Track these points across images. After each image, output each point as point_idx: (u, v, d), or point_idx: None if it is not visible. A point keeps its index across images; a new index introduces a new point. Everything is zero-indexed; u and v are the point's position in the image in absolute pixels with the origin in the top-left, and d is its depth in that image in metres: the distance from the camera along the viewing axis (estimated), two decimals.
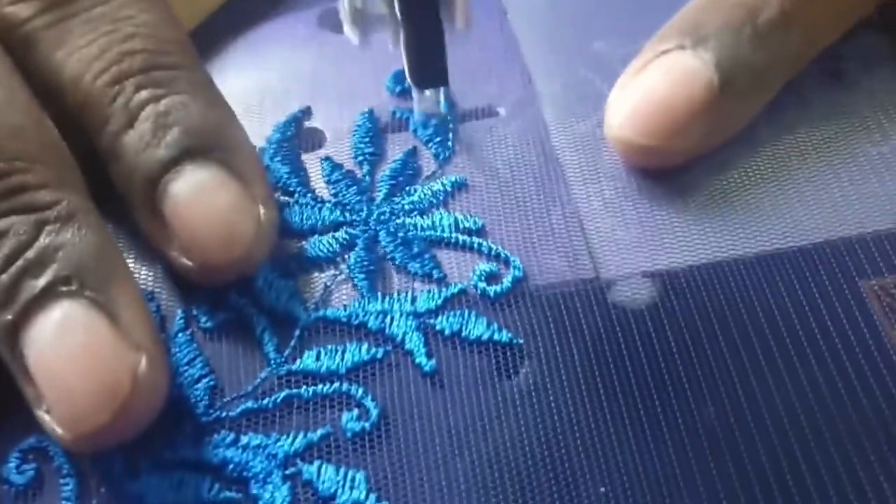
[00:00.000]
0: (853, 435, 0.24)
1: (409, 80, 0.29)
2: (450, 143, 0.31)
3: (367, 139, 0.31)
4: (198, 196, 0.26)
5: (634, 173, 0.29)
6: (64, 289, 0.24)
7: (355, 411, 0.25)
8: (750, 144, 0.30)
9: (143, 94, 0.27)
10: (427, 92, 0.30)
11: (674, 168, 0.29)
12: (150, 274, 0.28)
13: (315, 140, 0.31)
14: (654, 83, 0.29)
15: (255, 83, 0.33)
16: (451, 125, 0.31)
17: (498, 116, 0.31)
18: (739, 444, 0.24)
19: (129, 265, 0.28)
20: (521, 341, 0.26)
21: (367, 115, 0.31)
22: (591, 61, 0.32)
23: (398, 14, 0.25)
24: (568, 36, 0.34)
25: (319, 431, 0.24)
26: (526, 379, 0.25)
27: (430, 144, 0.31)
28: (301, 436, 0.24)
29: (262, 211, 0.27)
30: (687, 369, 0.25)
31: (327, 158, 0.30)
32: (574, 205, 0.29)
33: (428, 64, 0.27)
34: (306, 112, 0.32)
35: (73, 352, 0.23)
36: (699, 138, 0.28)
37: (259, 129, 0.31)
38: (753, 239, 0.28)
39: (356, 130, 0.31)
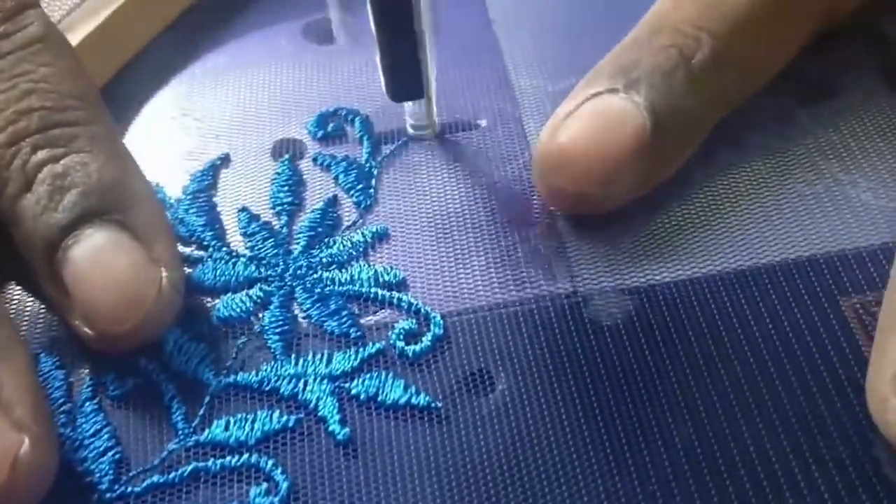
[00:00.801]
0: (835, 453, 0.23)
1: (385, 92, 0.29)
2: (371, 191, 0.30)
3: (285, 188, 0.30)
4: (95, 261, 0.25)
5: None
6: None
7: (264, 485, 0.24)
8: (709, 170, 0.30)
9: (41, 154, 0.26)
10: (413, 105, 0.30)
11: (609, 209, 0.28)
12: (58, 341, 0.27)
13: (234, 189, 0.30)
14: (584, 127, 0.27)
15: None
16: (374, 171, 0.30)
17: (479, 128, 0.32)
18: (720, 464, 0.23)
19: (35, 329, 0.27)
20: (440, 405, 0.25)
21: (286, 162, 0.30)
22: (577, 70, 0.30)
23: (372, 26, 0.25)
24: (553, 46, 0.34)
25: None
26: (501, 396, 0.25)
27: (351, 192, 0.30)
28: None
29: (164, 274, 0.26)
30: (665, 387, 0.25)
31: (244, 209, 0.29)
32: (553, 218, 0.29)
33: (403, 77, 0.26)
34: (225, 159, 0.31)
35: None
36: (631, 184, 0.27)
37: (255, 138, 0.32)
38: (732, 255, 0.27)
39: (276, 178, 0.30)
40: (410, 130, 0.31)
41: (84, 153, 0.26)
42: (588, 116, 0.28)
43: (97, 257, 0.25)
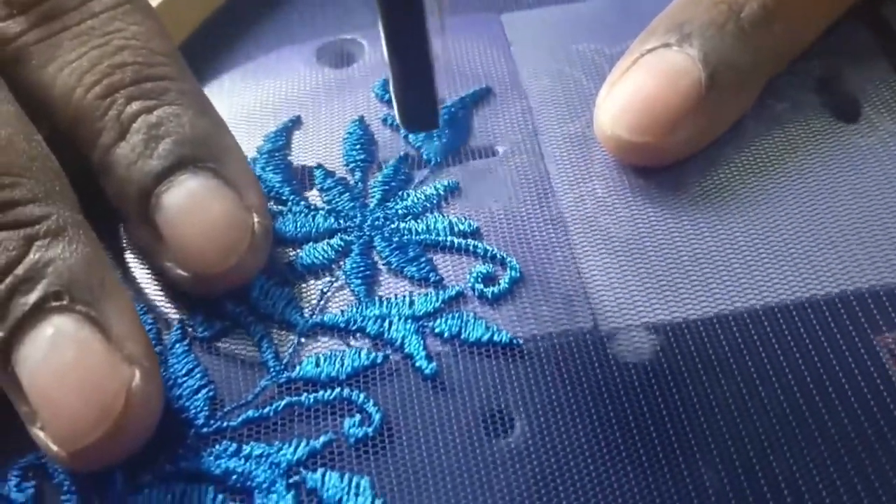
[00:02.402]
0: (871, 492, 0.23)
1: (399, 122, 0.27)
2: (440, 149, 0.31)
3: (357, 146, 0.31)
4: (191, 206, 0.26)
5: (638, 222, 0.28)
6: (55, 304, 0.23)
7: (357, 417, 0.25)
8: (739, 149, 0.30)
9: (135, 105, 0.27)
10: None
11: (673, 192, 0.29)
12: (146, 286, 0.28)
13: (307, 148, 0.31)
14: (643, 81, 0.29)
15: (248, 105, 0.33)
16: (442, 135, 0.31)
17: (497, 156, 0.31)
18: None
19: (124, 278, 0.28)
20: (521, 342, 0.26)
21: (357, 122, 0.31)
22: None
23: (385, 54, 0.24)
24: (573, 71, 0.33)
25: (322, 438, 0.24)
26: (522, 437, 0.24)
27: (422, 150, 0.31)
28: (304, 443, 0.24)
29: (255, 220, 0.27)
30: (694, 427, 0.24)
31: (319, 166, 0.30)
32: (573, 252, 0.28)
33: (417, 107, 0.25)
34: (296, 122, 0.32)
35: (65, 368, 0.23)
36: (690, 134, 0.29)
37: (250, 142, 0.31)
38: (760, 290, 0.27)
39: (347, 138, 0.31)
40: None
41: (176, 105, 0.27)
42: (645, 70, 0.29)
43: (192, 202, 0.26)
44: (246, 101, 0.33)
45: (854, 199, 0.28)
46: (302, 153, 0.31)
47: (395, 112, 0.26)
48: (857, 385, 0.25)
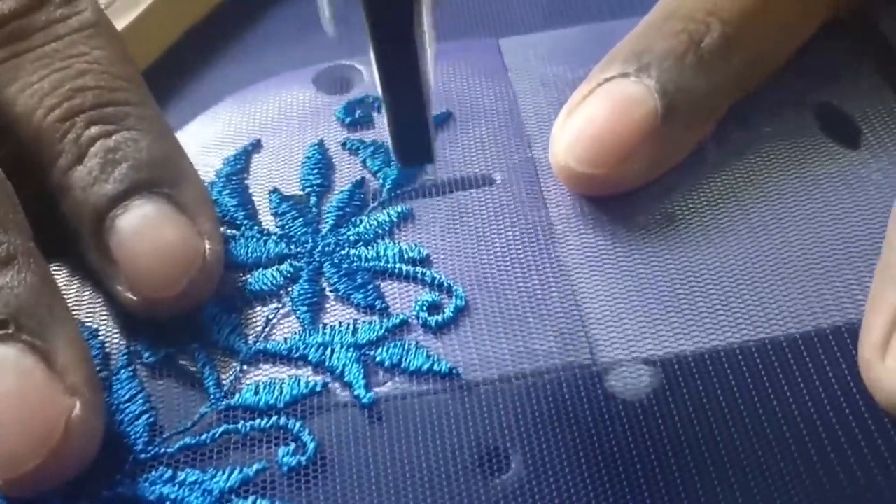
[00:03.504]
0: None
1: (393, 156, 0.27)
2: (397, 173, 0.31)
3: (315, 170, 0.31)
4: (144, 230, 0.26)
5: (638, 252, 0.28)
6: (0, 332, 0.24)
7: (292, 446, 0.25)
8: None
9: (94, 129, 0.27)
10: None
11: (676, 240, 0.28)
12: (95, 311, 0.28)
13: (266, 173, 0.31)
14: (597, 111, 0.28)
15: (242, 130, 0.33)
16: None
17: (494, 184, 0.30)
18: None
19: (75, 302, 0.28)
20: (461, 372, 0.26)
21: (316, 146, 0.32)
22: None
23: (378, 87, 0.24)
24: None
25: (255, 466, 0.24)
26: (516, 476, 0.24)
27: (378, 174, 0.31)
28: (237, 471, 0.24)
29: (207, 246, 0.27)
30: (699, 467, 0.24)
31: (275, 190, 0.30)
32: (571, 282, 0.27)
33: (412, 140, 0.25)
34: (256, 145, 0.32)
35: (6, 396, 0.23)
36: (642, 166, 0.28)
37: (213, 164, 0.32)
38: (757, 323, 0.26)
39: (305, 162, 0.31)
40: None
41: (135, 131, 0.28)
42: (601, 100, 0.29)
43: (145, 226, 0.26)
44: (239, 126, 0.33)
45: (855, 225, 0.28)
46: (261, 177, 0.31)
47: (390, 146, 0.26)
48: (848, 427, 0.24)
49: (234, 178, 0.31)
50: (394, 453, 0.24)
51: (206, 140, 0.33)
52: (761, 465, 0.24)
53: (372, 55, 0.23)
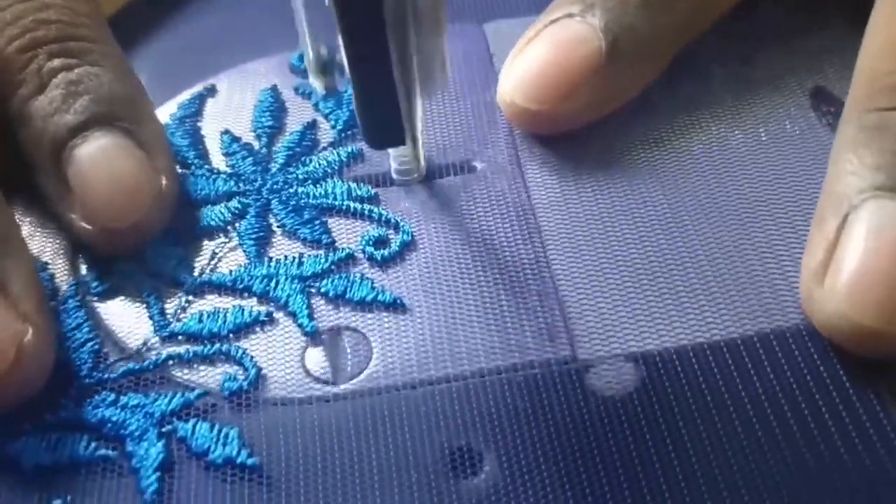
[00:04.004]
0: None
1: (365, 143, 0.27)
2: (348, 115, 0.31)
3: (267, 113, 0.31)
4: (102, 160, 0.27)
5: (624, 245, 0.27)
6: None
7: (234, 370, 0.25)
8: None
9: (56, 62, 0.28)
10: (396, 150, 0.28)
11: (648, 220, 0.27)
12: (46, 243, 0.28)
13: (218, 115, 0.32)
14: (542, 50, 0.29)
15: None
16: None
17: (475, 172, 0.29)
18: None
19: (26, 233, 0.28)
20: (406, 302, 0.26)
21: (269, 90, 0.32)
22: None
23: (347, 71, 0.24)
24: None
25: (197, 391, 0.25)
26: (491, 477, 0.23)
27: (330, 117, 0.31)
28: (179, 395, 0.25)
29: (163, 181, 0.27)
30: (684, 465, 0.22)
31: (226, 132, 0.31)
32: (552, 274, 0.26)
33: (382, 123, 0.25)
34: (211, 90, 0.32)
35: None
36: (587, 103, 0.29)
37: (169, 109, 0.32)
38: (744, 318, 0.25)
39: (258, 105, 0.31)
40: (395, 175, 0.29)
41: (97, 66, 0.28)
42: (546, 40, 0.29)
43: (103, 156, 0.27)
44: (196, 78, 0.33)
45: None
46: (214, 120, 0.31)
47: (360, 128, 0.26)
48: (839, 418, 0.23)
49: (188, 120, 0.31)
50: (360, 453, 0.23)
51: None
52: (749, 464, 0.22)
53: (339, 38, 0.22)
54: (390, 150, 0.28)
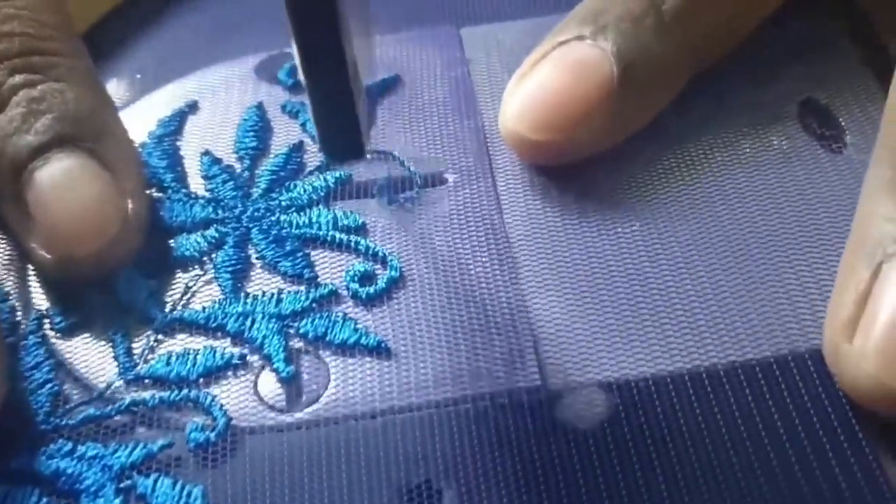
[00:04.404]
0: None
1: (323, 154, 0.26)
2: None
3: (251, 133, 0.29)
4: (63, 184, 0.25)
5: (598, 266, 0.25)
6: None
7: (201, 420, 0.23)
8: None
9: (18, 78, 0.26)
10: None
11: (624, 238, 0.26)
12: (10, 274, 0.26)
13: (200, 135, 0.30)
14: (550, 74, 0.27)
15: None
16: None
17: (446, 185, 0.28)
18: None
19: None
20: (391, 346, 0.24)
21: (254, 108, 0.30)
22: None
23: (302, 79, 0.22)
24: None
25: (160, 441, 0.23)
26: None
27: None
28: (140, 446, 0.23)
29: (130, 205, 0.25)
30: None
31: (206, 153, 0.29)
32: (523, 296, 0.25)
33: (340, 135, 0.23)
34: (193, 106, 0.30)
35: None
36: (596, 134, 0.26)
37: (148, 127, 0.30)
38: (724, 346, 0.23)
39: (241, 124, 0.29)
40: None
41: (62, 82, 0.26)
42: (554, 64, 0.27)
43: (65, 180, 0.25)
44: (177, 91, 0.31)
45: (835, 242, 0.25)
46: (195, 140, 0.29)
47: (318, 142, 0.24)
48: (821, 450, 0.21)
49: (166, 139, 0.29)
50: (312, 485, 0.22)
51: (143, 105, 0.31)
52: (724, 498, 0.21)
53: (293, 41, 0.21)
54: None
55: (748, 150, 0.28)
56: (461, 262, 0.26)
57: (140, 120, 0.30)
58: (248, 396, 0.23)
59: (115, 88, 0.31)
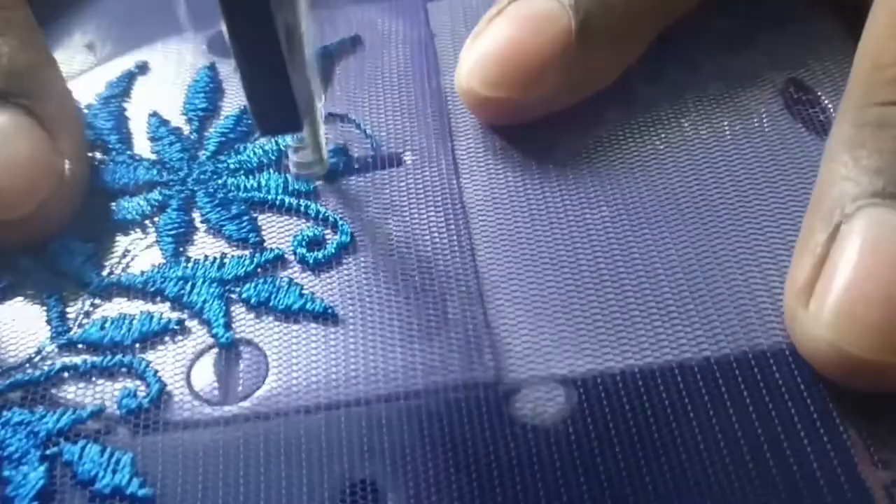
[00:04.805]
0: None
1: (255, 125, 0.24)
2: None
3: (201, 94, 0.28)
4: None
5: (564, 248, 0.23)
6: None
7: (134, 386, 0.22)
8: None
9: None
10: (292, 137, 0.25)
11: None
12: None
13: (149, 95, 0.28)
14: (505, 30, 0.26)
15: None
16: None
17: (403, 165, 0.26)
18: None
19: None
20: (338, 311, 0.23)
21: (207, 69, 0.29)
22: None
23: (231, 51, 0.21)
24: None
25: (90, 408, 0.22)
26: None
27: None
28: (69, 412, 0.21)
29: (67, 166, 0.24)
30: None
31: (154, 114, 0.28)
32: (479, 286, 0.23)
33: (274, 106, 0.22)
34: (143, 67, 0.29)
35: None
36: (554, 90, 0.25)
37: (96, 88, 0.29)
38: (700, 339, 0.22)
39: (192, 85, 0.28)
40: (293, 169, 0.25)
41: None
42: (510, 18, 0.26)
43: None
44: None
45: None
46: (143, 101, 0.28)
47: (250, 113, 0.22)
48: (781, 447, 0.20)
49: (113, 100, 0.28)
50: (248, 486, 0.20)
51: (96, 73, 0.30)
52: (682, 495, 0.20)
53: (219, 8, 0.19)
54: (288, 140, 0.25)
55: (726, 123, 0.26)
56: (416, 234, 0.24)
57: (91, 85, 0.29)
58: (184, 364, 0.22)
59: (66, 54, 0.30)
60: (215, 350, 0.22)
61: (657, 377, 0.21)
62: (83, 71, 0.30)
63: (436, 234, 0.24)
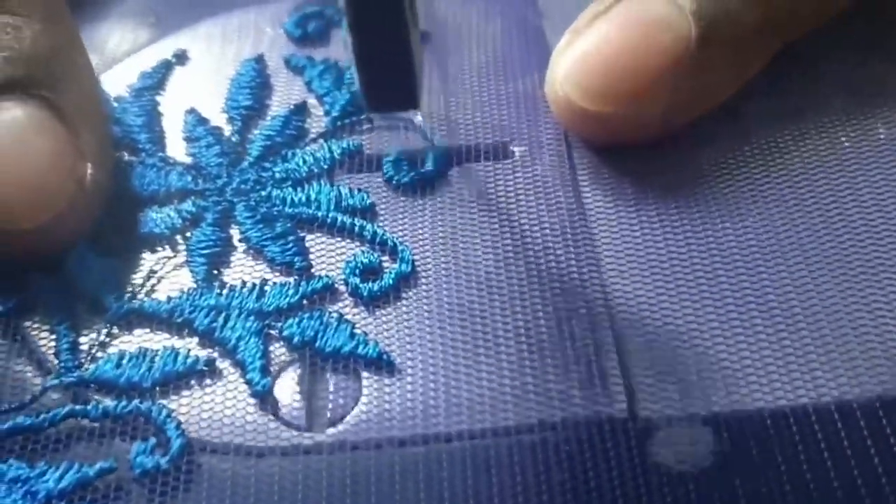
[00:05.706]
0: None
1: (364, 104, 0.21)
2: (348, 100, 0.24)
3: (245, 90, 0.24)
4: (8, 138, 0.21)
5: (703, 268, 0.20)
6: None
7: (152, 441, 0.18)
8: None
9: None
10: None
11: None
12: None
13: (187, 90, 0.25)
14: (611, 31, 0.22)
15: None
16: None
17: (513, 159, 0.23)
18: None
19: None
20: (394, 359, 0.19)
21: (252, 62, 0.25)
22: None
23: (344, 13, 0.18)
24: None
25: (99, 465, 0.18)
26: None
27: (325, 99, 0.24)
28: (74, 469, 0.18)
29: (89, 168, 0.21)
30: None
31: (191, 111, 0.24)
32: (608, 306, 0.20)
33: (389, 80, 0.19)
34: (181, 57, 0.26)
35: None
36: (664, 108, 0.22)
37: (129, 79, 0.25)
38: (861, 378, 0.19)
39: (236, 79, 0.25)
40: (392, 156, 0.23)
41: (18, 16, 0.22)
42: (618, 19, 0.22)
43: (11, 133, 0.21)
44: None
45: None
46: (180, 95, 0.25)
47: (360, 88, 0.20)
48: None
49: (146, 93, 0.25)
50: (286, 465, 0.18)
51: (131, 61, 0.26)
52: None
53: None
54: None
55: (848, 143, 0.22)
56: (530, 258, 0.21)
57: (123, 74, 0.25)
58: (212, 412, 0.19)
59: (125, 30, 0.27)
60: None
61: (811, 417, 0.18)
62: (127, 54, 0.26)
63: (550, 242, 0.21)
